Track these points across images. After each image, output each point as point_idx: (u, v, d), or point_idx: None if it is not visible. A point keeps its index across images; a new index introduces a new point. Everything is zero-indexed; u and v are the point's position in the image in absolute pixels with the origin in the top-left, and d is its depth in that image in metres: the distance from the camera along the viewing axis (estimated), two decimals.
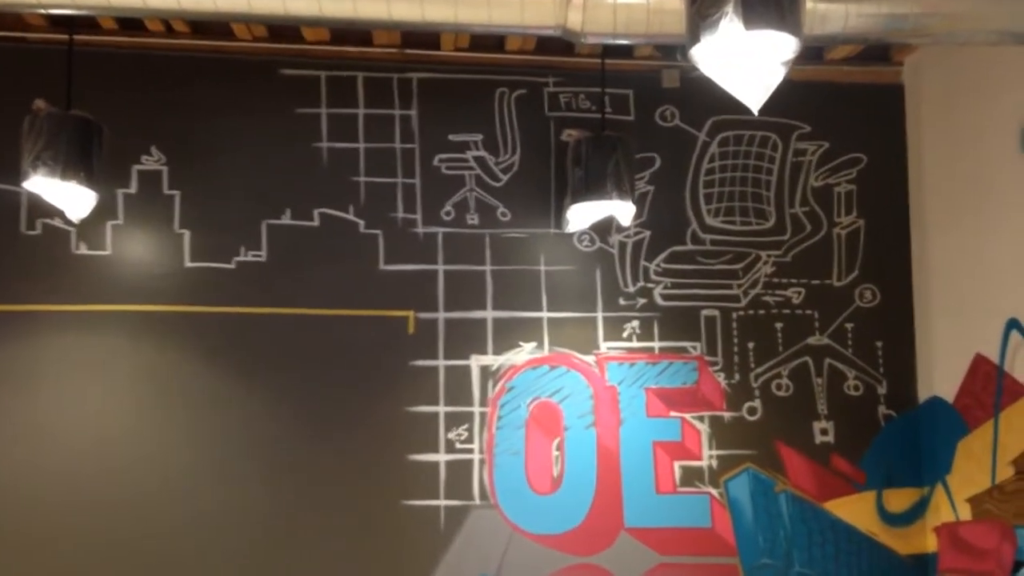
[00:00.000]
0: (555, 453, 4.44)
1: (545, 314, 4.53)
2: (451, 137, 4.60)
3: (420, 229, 4.53)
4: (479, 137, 4.62)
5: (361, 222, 4.50)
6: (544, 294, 4.54)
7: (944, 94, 4.44)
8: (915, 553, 4.47)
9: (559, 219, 4.50)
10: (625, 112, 4.70)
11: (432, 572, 4.30)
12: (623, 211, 4.12)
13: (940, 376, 4.36)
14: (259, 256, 4.41)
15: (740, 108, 4.68)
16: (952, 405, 4.27)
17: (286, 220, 4.45)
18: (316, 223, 4.46)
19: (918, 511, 4.48)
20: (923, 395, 4.52)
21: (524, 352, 4.49)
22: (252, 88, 4.49)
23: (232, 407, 4.31)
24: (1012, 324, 3.85)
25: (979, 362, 4.07)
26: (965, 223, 4.23)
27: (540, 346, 4.50)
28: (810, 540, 4.44)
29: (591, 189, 4.11)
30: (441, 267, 4.51)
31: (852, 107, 4.77)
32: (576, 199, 4.19)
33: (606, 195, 4.07)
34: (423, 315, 4.47)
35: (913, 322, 4.63)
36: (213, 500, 4.23)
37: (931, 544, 4.40)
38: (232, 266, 4.40)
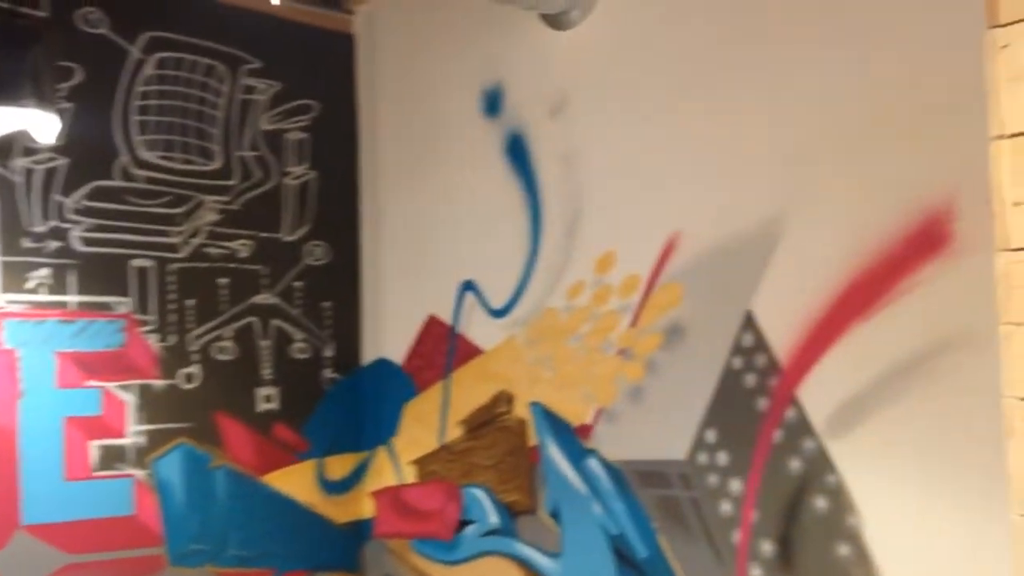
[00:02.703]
0: None
1: None
2: None
3: None
4: None
5: None
6: None
7: (402, 49, 4.32)
8: (352, 520, 4.33)
9: None
10: (35, 5, 3.72)
11: None
12: (44, 124, 3.19)
13: (389, 338, 4.26)
14: None
15: (180, 26, 4.12)
16: (401, 367, 4.19)
17: None
18: None
19: (357, 477, 4.34)
20: (369, 357, 4.39)
21: None
22: None
23: None
24: (467, 286, 3.86)
25: (432, 324, 4.03)
26: (421, 183, 4.16)
27: None
28: (248, 518, 4.01)
29: None
30: None
31: (305, 50, 4.42)
32: None
33: (19, 100, 3.11)
34: None
35: (359, 282, 4.47)
36: None
37: (368, 510, 4.29)
38: None
